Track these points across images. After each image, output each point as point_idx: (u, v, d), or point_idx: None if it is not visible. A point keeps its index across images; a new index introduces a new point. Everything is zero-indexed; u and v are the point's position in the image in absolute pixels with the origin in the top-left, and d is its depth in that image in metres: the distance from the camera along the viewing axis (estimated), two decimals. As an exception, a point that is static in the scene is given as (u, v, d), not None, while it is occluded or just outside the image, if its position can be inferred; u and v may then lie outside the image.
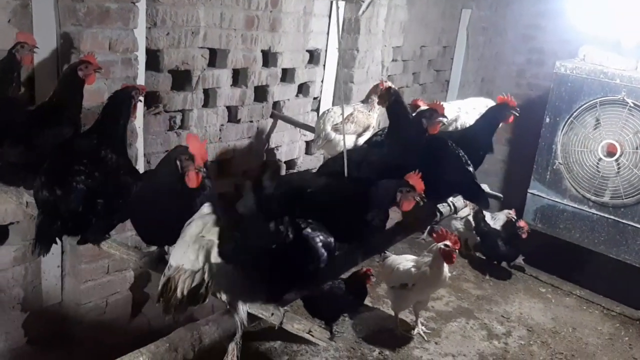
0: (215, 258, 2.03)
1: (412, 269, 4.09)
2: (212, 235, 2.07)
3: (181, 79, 3.79)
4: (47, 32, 2.99)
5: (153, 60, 3.55)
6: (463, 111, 4.11)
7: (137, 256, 2.46)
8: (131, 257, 2.47)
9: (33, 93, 3.05)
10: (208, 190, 2.36)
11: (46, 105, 2.69)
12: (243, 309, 2.14)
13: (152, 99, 3.58)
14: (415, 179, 2.44)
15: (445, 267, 4.02)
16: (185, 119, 3.84)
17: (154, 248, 2.55)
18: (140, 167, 3.44)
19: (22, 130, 2.55)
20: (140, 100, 2.76)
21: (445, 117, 2.88)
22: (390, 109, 3.08)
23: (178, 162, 2.30)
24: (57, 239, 2.48)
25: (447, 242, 3.93)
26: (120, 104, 2.64)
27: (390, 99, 3.06)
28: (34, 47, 2.75)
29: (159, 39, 3.52)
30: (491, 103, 4.10)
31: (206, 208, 2.21)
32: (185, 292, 1.98)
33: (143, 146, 3.54)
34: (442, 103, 4.40)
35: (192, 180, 2.29)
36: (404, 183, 2.44)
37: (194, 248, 2.04)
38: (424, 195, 2.41)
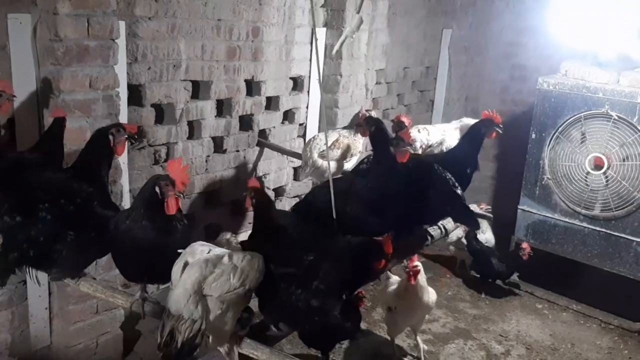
0: (214, 314, 2.04)
1: (393, 292, 4.04)
2: (213, 291, 2.07)
3: (164, 113, 3.78)
4: (26, 73, 2.98)
5: (135, 95, 3.55)
6: (447, 134, 4.12)
7: (124, 299, 2.41)
8: (117, 299, 2.42)
9: (14, 134, 3.03)
10: (184, 224, 2.35)
11: (31, 152, 2.72)
12: (235, 349, 2.11)
13: (136, 134, 3.55)
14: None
15: (427, 291, 3.94)
16: (171, 152, 3.82)
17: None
18: (126, 203, 3.40)
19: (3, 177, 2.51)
20: (127, 138, 2.74)
21: (410, 144, 2.84)
22: (372, 138, 3.07)
23: (157, 189, 2.28)
24: (17, 270, 2.42)
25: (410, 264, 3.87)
26: (95, 141, 2.68)
27: (370, 128, 3.05)
28: (12, 96, 2.73)
29: (141, 74, 3.52)
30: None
31: (198, 248, 2.19)
32: (184, 342, 1.98)
33: (128, 182, 3.52)
34: (426, 127, 4.44)
35: (171, 206, 2.28)
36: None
37: (195, 299, 2.04)
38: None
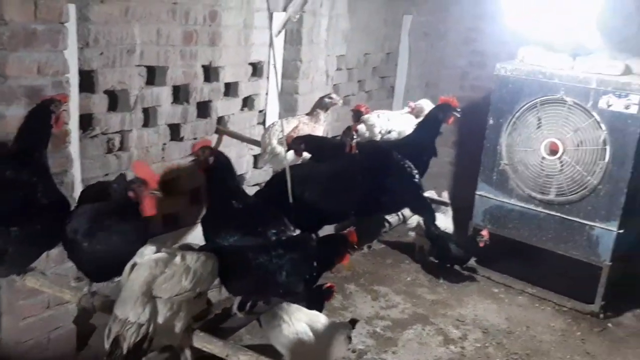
0: (162, 318, 1.97)
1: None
2: (163, 293, 2.00)
3: (118, 99, 3.66)
4: (-32, 58, 2.83)
5: (87, 81, 3.42)
6: (396, 121, 4.13)
7: (72, 294, 2.34)
8: (65, 294, 2.35)
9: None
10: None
11: None
12: (188, 345, 2.07)
13: (88, 122, 3.45)
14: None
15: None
16: (125, 140, 3.71)
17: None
18: (78, 193, 3.29)
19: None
20: (65, 110, 2.63)
21: (355, 136, 2.87)
22: (309, 151, 3.16)
23: (132, 193, 2.22)
24: None
25: None
26: (36, 119, 2.52)
27: (300, 147, 3.17)
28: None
29: (93, 59, 3.39)
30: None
31: (148, 249, 2.12)
32: (130, 348, 1.91)
33: (80, 171, 3.40)
34: (385, 112, 4.45)
35: (149, 206, 2.24)
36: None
37: (142, 301, 1.97)
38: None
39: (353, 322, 3.51)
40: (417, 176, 2.92)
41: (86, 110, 3.40)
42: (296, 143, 3.17)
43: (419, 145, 3.25)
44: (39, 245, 2.40)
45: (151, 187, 2.26)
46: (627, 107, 4.67)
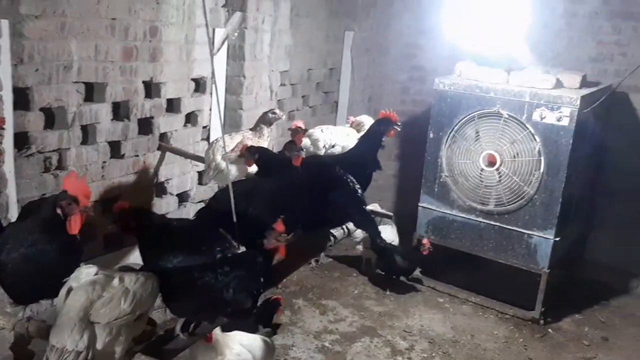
0: (101, 344, 1.91)
1: None
2: (101, 318, 1.94)
3: (55, 117, 3.56)
4: None
5: (22, 98, 3.31)
6: (340, 135, 4.18)
7: (5, 320, 2.25)
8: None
9: None
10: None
11: None
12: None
13: (23, 140, 3.34)
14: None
15: None
16: (63, 159, 3.61)
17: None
18: (13, 214, 3.18)
19: None
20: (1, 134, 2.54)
21: (301, 149, 2.93)
22: (258, 163, 3.19)
23: (59, 210, 2.14)
24: None
25: None
26: None
27: (254, 157, 3.20)
28: None
29: (27, 76, 3.29)
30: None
31: (86, 272, 2.06)
32: None
33: (16, 192, 3.28)
34: (329, 127, 4.50)
35: (74, 225, 2.16)
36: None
37: (80, 327, 1.90)
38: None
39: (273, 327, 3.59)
40: (359, 191, 2.95)
41: (21, 128, 3.29)
42: (251, 152, 3.15)
43: (362, 159, 3.29)
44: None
45: (82, 205, 2.18)
46: (559, 120, 4.88)
